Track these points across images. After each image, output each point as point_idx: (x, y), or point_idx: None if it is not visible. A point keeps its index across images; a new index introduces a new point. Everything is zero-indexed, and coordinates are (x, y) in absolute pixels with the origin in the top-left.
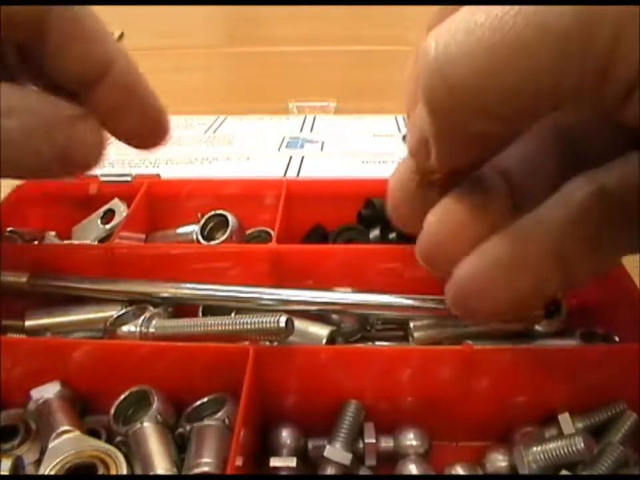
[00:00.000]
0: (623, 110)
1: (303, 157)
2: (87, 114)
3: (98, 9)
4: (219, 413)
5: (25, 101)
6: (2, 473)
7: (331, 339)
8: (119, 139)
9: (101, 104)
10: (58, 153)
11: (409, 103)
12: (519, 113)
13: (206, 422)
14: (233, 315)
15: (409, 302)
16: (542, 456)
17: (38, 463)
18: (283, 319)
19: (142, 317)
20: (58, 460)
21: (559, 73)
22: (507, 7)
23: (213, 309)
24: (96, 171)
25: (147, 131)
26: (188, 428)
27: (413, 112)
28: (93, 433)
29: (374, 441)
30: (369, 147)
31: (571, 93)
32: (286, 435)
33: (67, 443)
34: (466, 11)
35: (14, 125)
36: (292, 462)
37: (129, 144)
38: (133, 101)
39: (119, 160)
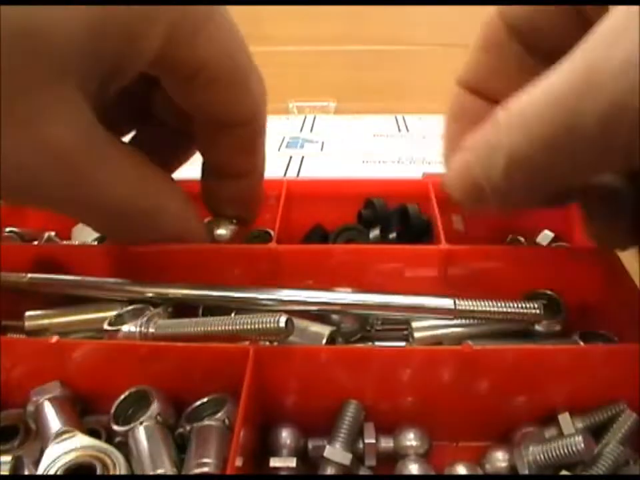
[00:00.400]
0: None
1: (302, 157)
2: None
3: None
4: (219, 413)
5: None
6: (2, 473)
7: (331, 339)
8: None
9: (229, 199)
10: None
11: (449, 148)
12: (571, 182)
13: (206, 422)
14: (232, 315)
15: (409, 302)
16: (542, 456)
17: (38, 462)
18: (282, 319)
19: (142, 317)
20: (58, 460)
21: (598, 159)
22: (536, 111)
23: (213, 309)
24: None
25: (246, 218)
26: (188, 428)
27: (453, 155)
28: (93, 432)
29: (374, 441)
30: (369, 147)
31: (609, 169)
32: (286, 435)
33: (67, 443)
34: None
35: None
36: (292, 462)
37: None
38: (254, 201)
39: None
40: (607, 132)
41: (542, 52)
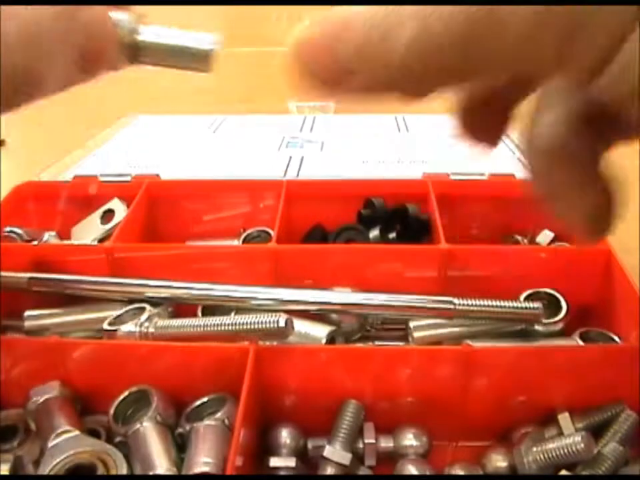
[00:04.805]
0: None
1: (302, 157)
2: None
3: None
4: (219, 413)
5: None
6: (2, 473)
7: (331, 339)
8: None
9: None
10: (78, 51)
11: None
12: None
13: (206, 422)
14: (232, 315)
15: (409, 302)
16: (542, 456)
17: (38, 462)
18: (282, 319)
19: (141, 317)
20: (58, 460)
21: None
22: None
23: (213, 308)
24: (95, 171)
25: None
26: (188, 428)
27: None
28: (93, 432)
29: (374, 441)
30: (369, 147)
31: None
32: (286, 435)
33: (67, 443)
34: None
35: (15, 28)
36: (292, 462)
37: None
38: None
39: (118, 159)
40: None
41: None
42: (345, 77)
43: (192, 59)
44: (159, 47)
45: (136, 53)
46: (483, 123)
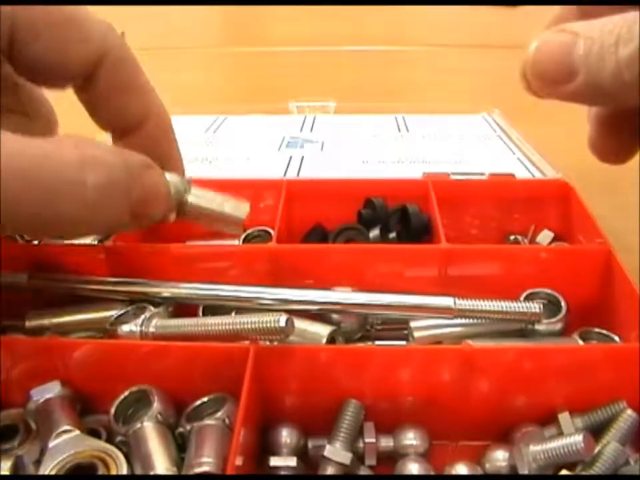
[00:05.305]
0: None
1: (302, 157)
2: (152, 162)
3: (98, 8)
4: (219, 413)
5: (100, 152)
6: (2, 473)
7: (331, 339)
8: None
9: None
10: (133, 205)
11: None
12: None
13: (206, 421)
14: (233, 314)
15: (409, 302)
16: (542, 456)
17: (38, 463)
18: (282, 319)
19: (142, 317)
20: (58, 460)
21: None
22: None
23: (213, 308)
24: None
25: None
26: (188, 427)
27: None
28: (93, 432)
29: (374, 440)
30: (369, 147)
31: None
32: (286, 435)
33: (67, 443)
34: None
35: (93, 180)
36: (292, 462)
37: None
38: (159, 153)
39: None
40: None
41: None
42: (569, 77)
43: (227, 223)
44: (203, 209)
45: (183, 209)
46: (617, 137)
